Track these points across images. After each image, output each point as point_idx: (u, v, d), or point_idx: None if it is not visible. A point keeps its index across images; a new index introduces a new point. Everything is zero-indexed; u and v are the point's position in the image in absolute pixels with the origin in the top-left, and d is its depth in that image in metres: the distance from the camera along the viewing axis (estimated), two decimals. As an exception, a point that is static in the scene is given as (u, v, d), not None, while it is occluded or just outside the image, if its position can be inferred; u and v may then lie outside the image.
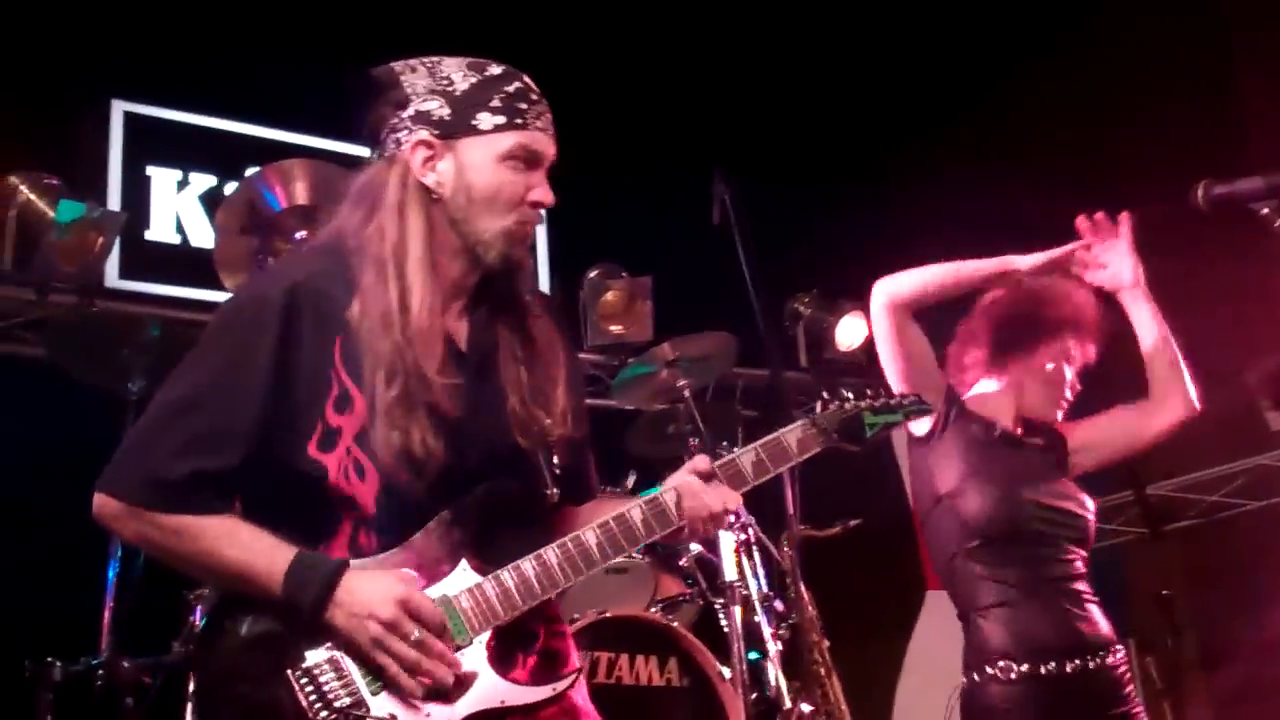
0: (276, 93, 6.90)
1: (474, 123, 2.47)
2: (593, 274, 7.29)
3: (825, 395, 2.73)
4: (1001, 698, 3.49)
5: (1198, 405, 3.79)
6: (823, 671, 5.48)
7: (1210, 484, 7.72)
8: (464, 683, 2.36)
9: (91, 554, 5.00)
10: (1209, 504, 7.88)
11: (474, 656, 2.38)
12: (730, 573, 5.31)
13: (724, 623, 5.29)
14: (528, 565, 2.42)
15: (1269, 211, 2.58)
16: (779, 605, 5.50)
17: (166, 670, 4.81)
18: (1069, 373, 3.84)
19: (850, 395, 2.75)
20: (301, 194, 4.97)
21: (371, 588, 2.30)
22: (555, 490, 2.57)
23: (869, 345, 7.80)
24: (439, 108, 2.49)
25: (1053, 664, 3.49)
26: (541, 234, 7.37)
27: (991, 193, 7.26)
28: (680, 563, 5.75)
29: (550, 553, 2.44)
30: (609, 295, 7.30)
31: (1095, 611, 3.63)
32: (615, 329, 7.25)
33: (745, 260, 4.13)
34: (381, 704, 2.32)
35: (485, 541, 2.43)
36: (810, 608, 5.50)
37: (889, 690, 7.31)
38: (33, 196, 5.91)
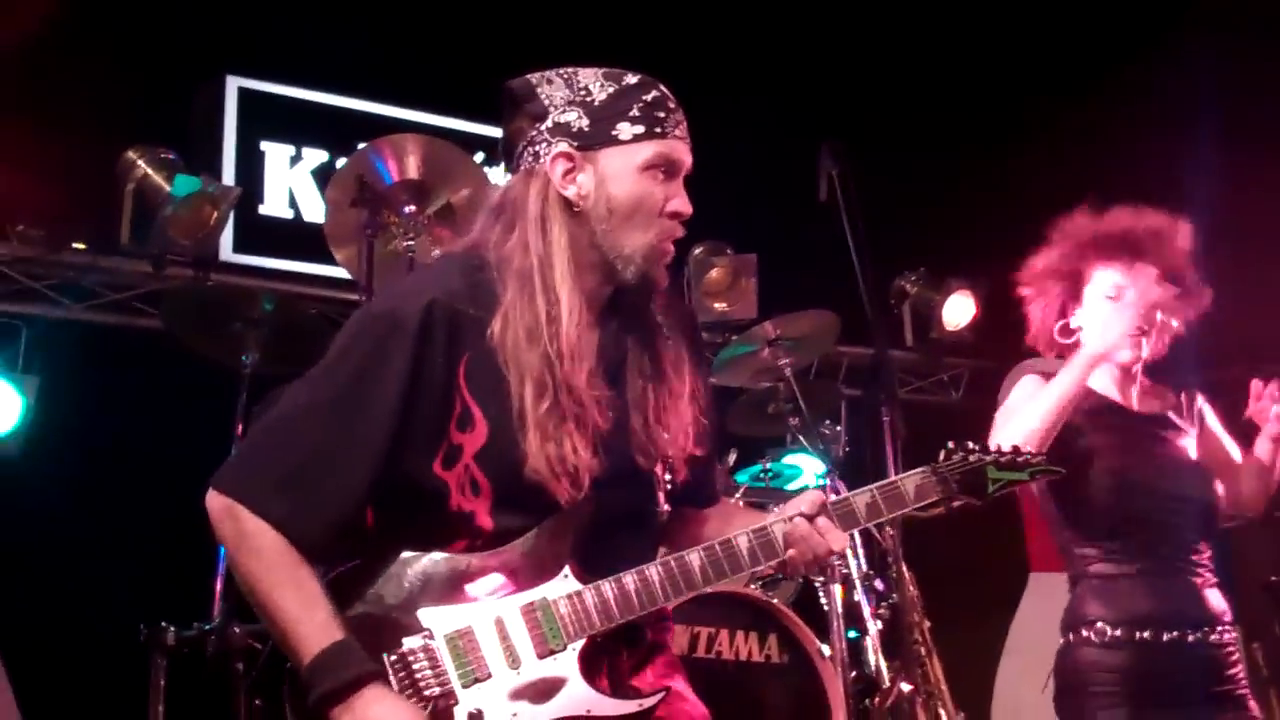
0: (388, 69, 6.98)
1: (614, 133, 2.45)
2: (697, 251, 7.28)
3: (951, 445, 2.66)
4: (1094, 660, 3.49)
5: (1260, 513, 3.78)
6: (923, 651, 5.45)
7: (1324, 469, 7.54)
8: (554, 687, 2.37)
9: (205, 522, 5.09)
10: (1322, 489, 7.71)
11: (566, 662, 2.39)
12: (831, 551, 5.31)
13: (824, 601, 5.30)
14: (629, 579, 2.42)
15: None
16: (879, 584, 5.49)
17: (276, 636, 4.90)
18: (1132, 295, 3.64)
19: (976, 446, 2.67)
20: (412, 168, 5.01)
21: (388, 715, 2.26)
22: (667, 508, 2.57)
23: (976, 324, 7.81)
24: (578, 119, 2.46)
25: (1148, 632, 3.46)
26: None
27: (1102, 167, 7.14)
28: (781, 540, 5.74)
29: (653, 570, 2.43)
30: (714, 272, 7.30)
31: (1206, 589, 3.57)
32: (719, 306, 7.26)
33: (852, 237, 4.10)
34: (471, 698, 2.34)
35: (591, 551, 2.43)
36: (911, 587, 5.46)
37: (990, 671, 7.25)
38: (150, 171, 6.04)
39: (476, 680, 2.35)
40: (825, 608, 5.27)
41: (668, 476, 2.56)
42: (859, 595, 5.30)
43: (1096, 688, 3.46)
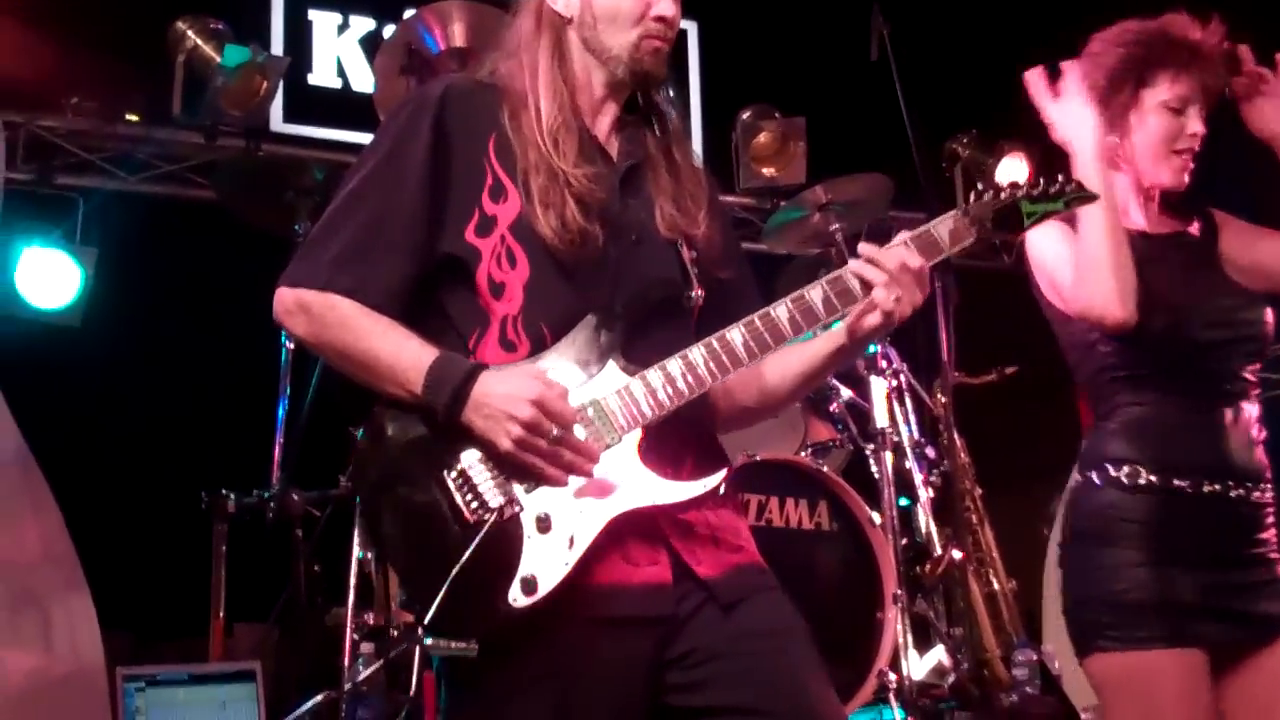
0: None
1: None
2: (745, 115, 7.18)
3: (979, 186, 2.61)
4: (1119, 504, 3.05)
5: None
6: (974, 519, 5.48)
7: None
8: (617, 480, 2.38)
9: (262, 391, 5.19)
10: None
11: (624, 455, 2.40)
12: (882, 419, 5.33)
13: (874, 469, 5.31)
14: (673, 364, 2.43)
15: None
16: (931, 452, 5.49)
17: (334, 504, 5.00)
18: (1172, 119, 3.23)
19: (1004, 185, 2.60)
20: (459, 35, 5.01)
21: (506, 389, 2.33)
22: (699, 292, 2.60)
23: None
24: None
25: (1188, 481, 3.03)
26: (694, 75, 7.29)
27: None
28: (831, 408, 5.76)
29: (695, 351, 2.45)
30: (761, 137, 7.19)
31: (1252, 438, 3.14)
32: (768, 172, 7.16)
33: (903, 99, 4.05)
34: (536, 502, 2.36)
35: (632, 343, 2.46)
36: (963, 454, 5.49)
37: (1041, 539, 7.27)
38: (199, 42, 6.04)
39: (537, 484, 2.38)
40: (876, 475, 5.29)
41: (697, 264, 2.61)
42: (910, 463, 5.31)
43: (1117, 538, 3.03)
